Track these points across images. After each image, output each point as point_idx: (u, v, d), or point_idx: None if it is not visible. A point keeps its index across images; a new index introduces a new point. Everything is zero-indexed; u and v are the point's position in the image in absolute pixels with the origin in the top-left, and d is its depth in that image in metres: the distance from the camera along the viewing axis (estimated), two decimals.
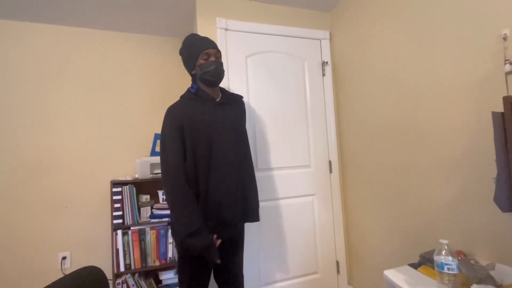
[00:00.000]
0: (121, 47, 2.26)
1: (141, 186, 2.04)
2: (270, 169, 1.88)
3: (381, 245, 1.72)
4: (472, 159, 1.15)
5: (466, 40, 1.16)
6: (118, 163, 2.17)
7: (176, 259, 1.88)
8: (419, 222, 1.43)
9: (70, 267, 2.00)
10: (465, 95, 1.18)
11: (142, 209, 1.99)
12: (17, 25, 2.00)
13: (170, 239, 1.91)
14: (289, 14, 2.03)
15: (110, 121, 2.18)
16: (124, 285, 1.83)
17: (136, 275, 1.88)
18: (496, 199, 0.96)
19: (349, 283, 2.04)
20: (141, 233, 1.87)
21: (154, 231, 1.90)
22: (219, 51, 1.33)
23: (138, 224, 1.90)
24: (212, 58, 1.30)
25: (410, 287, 1.00)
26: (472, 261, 0.99)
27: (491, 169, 1.06)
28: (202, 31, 1.77)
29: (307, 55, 2.05)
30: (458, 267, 0.94)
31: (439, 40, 1.28)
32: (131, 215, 1.90)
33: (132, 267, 1.83)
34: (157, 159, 1.78)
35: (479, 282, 0.90)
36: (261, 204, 1.58)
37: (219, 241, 1.22)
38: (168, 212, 1.94)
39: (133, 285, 1.83)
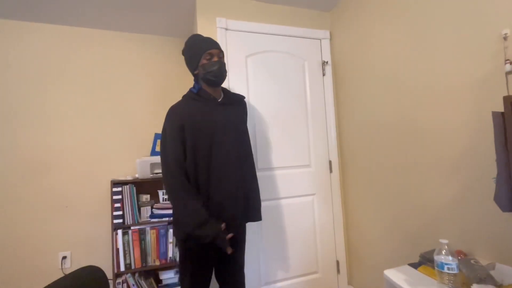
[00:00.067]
0: (121, 47, 2.26)
1: (141, 185, 2.04)
2: (270, 169, 1.88)
3: (381, 245, 1.72)
4: (472, 159, 1.15)
5: (466, 40, 1.16)
6: (118, 163, 2.18)
7: (177, 258, 1.90)
8: (419, 222, 1.43)
9: (70, 267, 2.00)
10: (465, 95, 1.18)
11: (142, 208, 1.99)
12: (17, 25, 2.00)
13: (170, 239, 1.91)
14: (289, 13, 2.03)
15: (110, 121, 2.18)
16: (124, 284, 1.83)
17: (136, 274, 1.88)
18: (496, 199, 0.96)
19: (349, 282, 2.04)
20: (141, 233, 1.87)
21: (154, 230, 1.90)
22: (222, 52, 1.33)
23: (138, 223, 1.90)
24: (215, 58, 1.30)
25: (410, 287, 1.00)
26: (472, 261, 0.99)
27: (491, 169, 1.06)
28: (202, 31, 1.77)
29: (307, 55, 2.05)
30: (458, 267, 0.94)
31: (439, 40, 1.28)
32: (131, 214, 1.90)
33: (132, 267, 1.83)
34: (157, 159, 1.78)
35: (479, 282, 0.90)
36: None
37: (230, 235, 1.23)
38: (168, 212, 1.94)
39: (133, 285, 1.83)
